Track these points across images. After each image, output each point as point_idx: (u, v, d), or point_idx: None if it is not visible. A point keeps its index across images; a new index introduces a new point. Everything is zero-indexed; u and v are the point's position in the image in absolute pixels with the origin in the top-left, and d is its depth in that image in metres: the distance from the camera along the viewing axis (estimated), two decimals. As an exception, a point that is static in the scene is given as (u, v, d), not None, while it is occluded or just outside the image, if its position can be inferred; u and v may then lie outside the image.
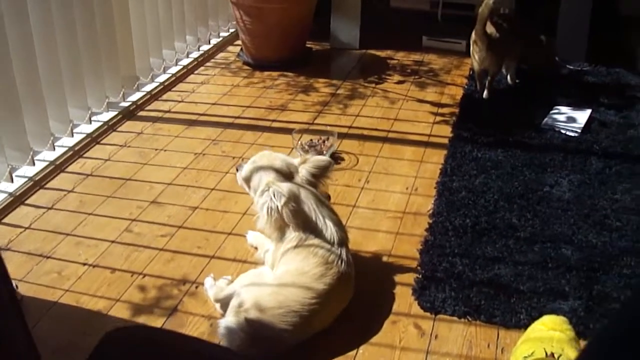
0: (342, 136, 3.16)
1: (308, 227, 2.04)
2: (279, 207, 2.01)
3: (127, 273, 2.28)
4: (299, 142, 2.97)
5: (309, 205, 2.06)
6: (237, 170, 2.32)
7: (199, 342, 1.48)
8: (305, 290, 1.93)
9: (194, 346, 1.19)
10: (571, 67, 3.99)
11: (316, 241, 2.03)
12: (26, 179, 2.81)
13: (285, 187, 2.04)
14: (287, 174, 2.13)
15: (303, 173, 2.15)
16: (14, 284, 2.09)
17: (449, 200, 2.64)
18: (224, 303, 2.03)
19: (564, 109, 3.42)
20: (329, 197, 2.60)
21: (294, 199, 2.02)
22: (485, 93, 3.58)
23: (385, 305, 2.13)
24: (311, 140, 3.01)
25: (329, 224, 2.06)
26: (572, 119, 3.32)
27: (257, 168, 2.18)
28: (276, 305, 1.90)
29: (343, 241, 2.07)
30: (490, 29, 3.45)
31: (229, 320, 1.92)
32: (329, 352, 1.95)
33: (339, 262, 2.01)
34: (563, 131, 3.22)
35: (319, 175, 2.18)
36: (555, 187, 2.75)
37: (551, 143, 3.13)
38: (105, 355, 0.97)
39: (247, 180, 2.21)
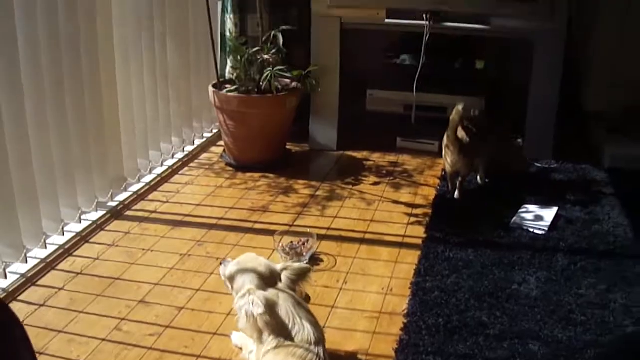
0: (321, 237, 3.28)
1: (285, 330, 2.18)
2: (255, 316, 2.15)
3: (117, 371, 2.38)
4: (280, 244, 3.09)
5: (287, 308, 2.20)
6: (221, 264, 2.47)
7: None
8: None
9: None
10: (539, 165, 4.16)
11: (294, 342, 2.16)
12: (18, 276, 2.91)
13: (263, 296, 2.17)
14: (269, 279, 2.28)
15: (284, 279, 2.31)
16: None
17: (422, 300, 2.76)
18: None
19: (531, 207, 3.57)
20: (309, 298, 2.74)
21: (270, 309, 2.15)
22: (456, 194, 3.75)
23: (363, 402, 2.24)
24: (292, 242, 3.13)
25: (306, 324, 2.19)
26: (539, 217, 3.46)
27: (241, 270, 2.32)
28: None
29: (320, 340, 2.19)
30: (460, 133, 3.65)
31: None
32: None
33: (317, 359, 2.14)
34: (531, 230, 3.35)
35: (298, 281, 2.35)
36: (523, 285, 2.87)
37: (519, 242, 3.26)
38: None
39: (231, 279, 2.36)
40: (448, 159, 3.70)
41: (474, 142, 3.69)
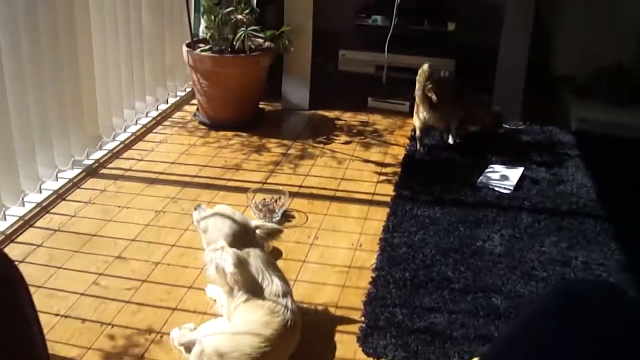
0: (293, 195, 3.36)
1: (254, 286, 2.28)
2: (225, 272, 2.24)
3: (96, 323, 2.46)
4: (253, 201, 3.17)
5: (257, 265, 2.31)
6: (195, 209, 2.56)
7: None
8: (256, 335, 2.16)
9: None
10: (506, 126, 4.24)
11: (262, 295, 2.26)
12: (-2, 233, 2.98)
13: (235, 254, 2.25)
14: (242, 236, 2.38)
15: (256, 236, 2.42)
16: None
17: (390, 255, 2.87)
18: (187, 347, 2.26)
19: (498, 167, 3.67)
20: (280, 253, 2.84)
21: (240, 267, 2.24)
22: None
23: (332, 351, 2.34)
24: (264, 199, 3.22)
25: (275, 279, 2.30)
26: (505, 177, 3.56)
27: (216, 224, 2.41)
28: (231, 350, 2.12)
29: (287, 293, 2.30)
30: (429, 92, 3.73)
31: None
32: (282, 394, 2.16)
33: (285, 310, 2.24)
34: (496, 189, 3.45)
35: (269, 239, 2.51)
36: (487, 242, 2.98)
37: (485, 200, 3.36)
38: None
39: (204, 230, 2.45)
40: (420, 115, 3.79)
41: (444, 99, 3.78)
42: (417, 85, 3.71)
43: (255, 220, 2.52)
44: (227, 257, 2.24)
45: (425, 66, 3.68)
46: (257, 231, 2.45)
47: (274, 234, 2.52)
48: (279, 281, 2.30)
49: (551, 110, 4.55)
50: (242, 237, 2.37)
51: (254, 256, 2.33)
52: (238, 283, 2.25)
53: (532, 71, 4.33)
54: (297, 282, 2.71)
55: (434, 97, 3.73)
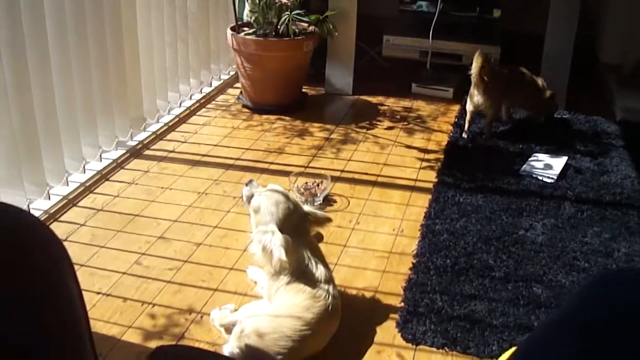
0: (335, 179, 3.37)
1: (298, 270, 2.28)
2: (272, 256, 2.24)
3: (137, 302, 2.49)
4: (295, 185, 3.18)
5: (303, 250, 2.31)
6: (246, 184, 2.56)
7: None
8: (297, 319, 2.17)
9: None
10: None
11: (305, 280, 2.27)
12: (42, 212, 3.00)
13: (285, 240, 2.24)
14: (293, 221, 2.37)
15: (306, 222, 2.43)
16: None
17: (431, 242, 2.86)
18: (227, 328, 2.28)
19: (541, 156, 3.64)
20: (321, 237, 2.84)
21: (288, 253, 2.22)
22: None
23: (371, 336, 2.34)
24: (306, 183, 3.22)
25: (319, 266, 2.30)
26: (548, 165, 3.53)
27: (270, 207, 2.37)
28: (272, 331, 2.14)
29: (330, 279, 2.31)
30: (485, 75, 3.70)
31: (232, 345, 2.16)
32: (320, 377, 2.17)
33: (326, 296, 2.24)
34: (540, 178, 3.42)
35: (316, 226, 2.54)
36: (529, 231, 2.96)
37: (528, 189, 3.33)
38: None
39: (256, 210, 2.42)
40: (473, 100, 3.80)
41: (499, 85, 3.78)
42: (474, 69, 3.69)
43: (307, 207, 2.50)
44: (276, 243, 2.22)
45: (480, 52, 3.67)
46: (308, 217, 2.44)
47: (323, 222, 2.52)
48: (323, 268, 2.31)
49: (596, 99, 4.49)
50: (292, 222, 2.36)
51: (302, 243, 2.32)
52: (284, 269, 2.26)
53: (577, 60, 4.27)
54: (337, 266, 2.71)
55: (488, 79, 3.70)
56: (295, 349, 2.13)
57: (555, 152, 3.69)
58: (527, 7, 4.87)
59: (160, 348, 1.26)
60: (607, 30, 4.78)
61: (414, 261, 2.74)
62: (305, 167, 3.51)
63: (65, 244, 2.71)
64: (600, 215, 3.10)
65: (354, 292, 2.58)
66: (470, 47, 4.37)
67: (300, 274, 2.28)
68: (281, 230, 2.28)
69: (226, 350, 2.17)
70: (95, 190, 3.26)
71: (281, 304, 2.25)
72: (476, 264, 2.72)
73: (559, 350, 0.90)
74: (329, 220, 2.53)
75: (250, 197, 2.48)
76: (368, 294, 2.57)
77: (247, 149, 3.73)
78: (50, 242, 1.03)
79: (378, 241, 2.91)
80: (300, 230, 2.37)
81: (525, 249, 2.83)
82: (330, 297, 2.24)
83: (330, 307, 2.23)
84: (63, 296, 1.01)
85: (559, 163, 3.56)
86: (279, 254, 2.20)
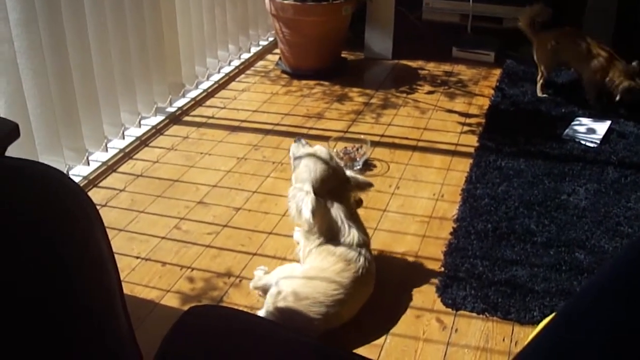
0: (374, 144, 3.34)
1: (331, 233, 2.27)
2: (302, 213, 2.23)
3: (176, 267, 2.50)
4: (335, 150, 3.16)
5: (338, 214, 2.28)
6: (295, 141, 2.52)
7: (271, 324, 1.65)
8: (330, 282, 2.16)
9: (266, 325, 1.39)
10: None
11: (335, 242, 2.26)
12: (81, 178, 3.03)
13: (315, 202, 2.22)
14: (332, 183, 2.33)
15: (347, 187, 2.39)
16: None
17: (472, 207, 2.83)
18: (263, 290, 2.29)
19: (584, 120, 3.58)
20: (361, 202, 2.82)
21: (317, 215, 2.22)
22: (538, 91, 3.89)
23: (410, 301, 2.33)
24: (346, 147, 3.20)
25: (353, 231, 2.27)
26: (591, 130, 3.47)
27: (309, 165, 2.34)
28: (305, 296, 2.14)
29: (364, 243, 2.28)
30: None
31: (268, 305, 2.17)
32: (359, 340, 2.16)
33: (359, 259, 2.22)
34: (583, 142, 3.37)
35: (358, 191, 2.51)
36: (572, 196, 2.91)
37: (571, 153, 3.28)
38: (187, 328, 1.17)
39: (296, 167, 2.39)
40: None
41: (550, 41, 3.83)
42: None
43: (349, 172, 2.46)
44: (307, 203, 2.22)
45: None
46: (350, 182, 2.41)
47: (364, 187, 2.48)
48: (357, 232, 2.28)
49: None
50: (331, 184, 2.33)
51: (337, 207, 2.30)
52: (312, 228, 2.25)
53: (621, 22, 4.16)
54: (377, 230, 2.69)
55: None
56: (330, 314, 2.13)
57: (598, 116, 3.61)
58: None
59: (195, 307, 1.26)
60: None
61: (455, 226, 2.71)
62: (345, 132, 3.49)
63: (105, 209, 2.75)
64: (644, 180, 3.04)
65: (394, 256, 2.56)
66: (511, 10, 4.29)
67: (332, 236, 2.26)
68: (317, 191, 2.26)
69: (261, 314, 2.17)
70: (135, 156, 3.28)
71: (311, 266, 2.25)
72: (518, 228, 2.68)
73: (605, 315, 0.87)
74: (370, 185, 2.48)
75: (296, 154, 2.46)
76: (408, 259, 2.55)
77: (286, 114, 3.71)
78: (80, 200, 1.03)
79: (418, 206, 2.88)
80: (337, 193, 2.34)
81: (568, 214, 2.78)
82: (362, 261, 2.23)
83: (361, 271, 2.21)
84: (92, 252, 1.01)
85: (602, 127, 3.49)
86: (307, 214, 2.20)
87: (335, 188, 2.34)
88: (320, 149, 2.43)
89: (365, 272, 2.23)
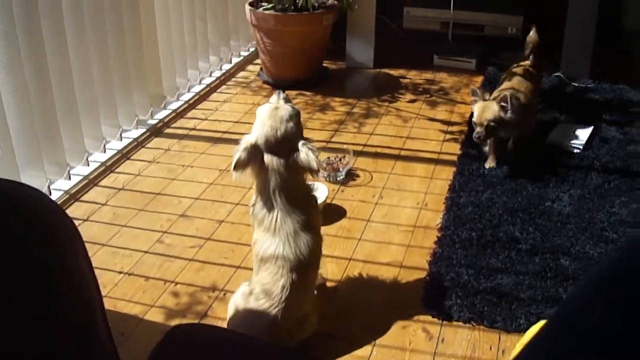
0: (357, 154, 3.33)
1: (260, 201, 2.12)
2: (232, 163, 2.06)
3: (160, 281, 2.47)
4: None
5: (270, 183, 2.08)
6: (277, 93, 2.24)
7: (253, 340, 1.63)
8: (264, 297, 2.07)
9: (247, 342, 1.38)
10: (576, 85, 4.13)
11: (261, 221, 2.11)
12: (62, 192, 3.00)
13: (243, 155, 2.06)
14: (277, 146, 2.09)
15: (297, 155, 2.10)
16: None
17: (456, 215, 2.82)
18: None
19: (567, 125, 3.58)
20: (345, 212, 2.81)
21: (238, 165, 2.05)
22: None
23: (396, 312, 2.31)
24: (329, 158, 3.19)
25: (277, 211, 2.08)
26: (575, 135, 3.46)
27: (263, 119, 2.10)
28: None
29: (295, 232, 2.08)
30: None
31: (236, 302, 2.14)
32: (345, 352, 2.14)
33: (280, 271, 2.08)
34: (566, 147, 3.36)
35: (304, 165, 2.10)
36: (556, 202, 2.90)
37: (554, 159, 3.27)
38: (169, 348, 1.16)
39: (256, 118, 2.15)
40: None
41: None
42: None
43: (309, 151, 2.08)
44: (236, 155, 2.04)
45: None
46: (303, 149, 2.08)
47: (308, 168, 2.08)
48: (285, 216, 2.08)
49: (621, 67, 4.40)
50: (277, 148, 2.07)
51: (276, 173, 2.07)
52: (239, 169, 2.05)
53: (602, 27, 4.17)
54: (361, 241, 2.69)
55: None
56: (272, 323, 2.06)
57: (580, 122, 3.61)
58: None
59: (177, 327, 1.25)
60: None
61: (439, 235, 2.70)
62: (327, 142, 3.48)
63: (87, 223, 2.72)
64: (628, 185, 3.04)
65: (378, 267, 2.54)
66: (491, 17, 4.31)
67: (260, 207, 2.10)
68: (261, 147, 2.06)
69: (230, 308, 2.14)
70: (116, 170, 3.25)
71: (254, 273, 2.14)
72: (502, 236, 2.67)
73: (601, 321, 0.87)
74: (315, 171, 2.09)
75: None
76: (393, 269, 2.53)
77: (269, 125, 3.68)
78: (55, 212, 1.03)
79: (402, 215, 2.87)
80: (284, 159, 2.07)
81: (552, 220, 2.78)
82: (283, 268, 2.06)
83: (285, 284, 2.06)
84: (73, 275, 1.01)
85: (584, 133, 3.49)
86: (233, 161, 2.03)
87: (281, 152, 2.08)
88: (284, 107, 2.15)
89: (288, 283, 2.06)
